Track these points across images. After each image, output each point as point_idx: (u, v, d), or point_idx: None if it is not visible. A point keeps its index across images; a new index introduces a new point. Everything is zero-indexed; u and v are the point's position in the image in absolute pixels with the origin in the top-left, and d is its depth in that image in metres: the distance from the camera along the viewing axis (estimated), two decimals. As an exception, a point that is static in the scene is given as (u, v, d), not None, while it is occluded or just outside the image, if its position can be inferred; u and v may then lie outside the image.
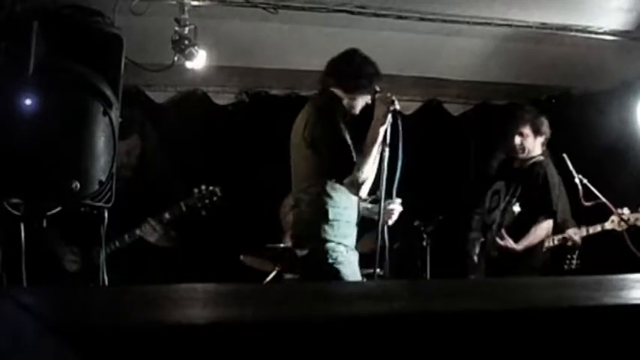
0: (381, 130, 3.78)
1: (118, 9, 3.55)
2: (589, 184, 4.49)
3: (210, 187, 4.43)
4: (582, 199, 4.48)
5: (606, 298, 1.34)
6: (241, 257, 5.07)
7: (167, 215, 4.36)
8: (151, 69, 4.43)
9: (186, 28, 4.26)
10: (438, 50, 5.18)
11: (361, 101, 3.96)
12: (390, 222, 3.95)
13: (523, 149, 4.86)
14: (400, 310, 1.21)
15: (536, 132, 4.85)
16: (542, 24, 4.71)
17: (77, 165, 2.48)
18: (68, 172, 2.45)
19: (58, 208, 2.57)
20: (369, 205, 4.01)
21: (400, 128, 3.73)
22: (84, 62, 2.54)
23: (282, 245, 4.88)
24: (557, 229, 4.76)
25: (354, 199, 3.91)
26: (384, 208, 3.82)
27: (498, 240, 4.70)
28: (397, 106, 3.78)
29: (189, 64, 4.39)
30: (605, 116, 5.37)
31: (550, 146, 4.91)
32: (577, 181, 4.51)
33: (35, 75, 2.41)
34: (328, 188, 3.86)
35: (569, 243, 4.69)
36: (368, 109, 3.94)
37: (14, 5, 2.59)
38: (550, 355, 1.05)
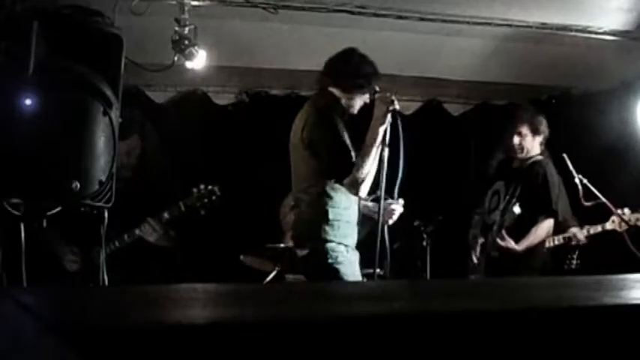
0: (381, 130, 3.77)
1: (118, 9, 3.54)
2: (589, 184, 4.49)
3: (209, 187, 4.43)
4: (582, 199, 4.48)
5: (606, 298, 1.34)
6: (241, 257, 5.07)
7: (166, 215, 4.36)
8: (151, 69, 4.43)
9: (186, 28, 4.26)
10: (438, 50, 5.18)
11: (359, 101, 3.95)
12: (391, 222, 3.95)
13: (522, 149, 4.86)
14: (400, 310, 1.21)
15: (535, 131, 4.85)
16: (542, 24, 4.71)
17: (77, 165, 2.48)
18: (68, 172, 2.44)
19: (58, 208, 2.57)
20: (370, 204, 4.01)
21: (400, 128, 3.72)
22: (84, 62, 2.54)
23: (282, 245, 4.88)
24: (558, 228, 4.76)
25: (354, 198, 3.91)
26: (386, 207, 3.82)
27: (499, 240, 4.70)
28: (397, 106, 3.77)
29: (189, 64, 4.39)
30: (605, 116, 5.37)
31: (550, 146, 4.91)
32: (577, 181, 4.50)
33: (35, 75, 2.40)
34: (328, 188, 3.86)
35: (574, 242, 4.67)
36: (367, 108, 3.93)
37: (14, 5, 2.59)
38: (550, 355, 1.05)
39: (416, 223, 5.30)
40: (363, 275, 4.02)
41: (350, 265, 3.85)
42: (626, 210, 4.48)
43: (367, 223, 4.01)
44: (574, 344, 1.06)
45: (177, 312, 1.17)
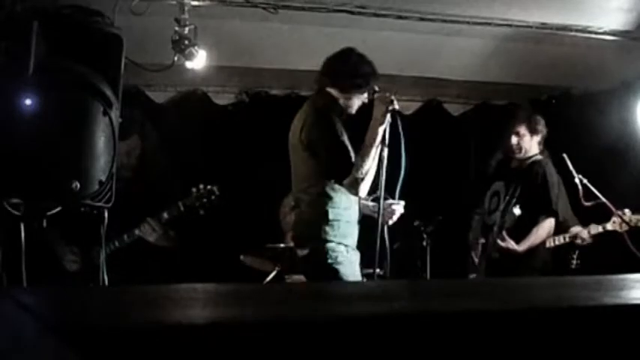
0: (380, 130, 3.76)
1: (118, 9, 3.54)
2: (589, 184, 4.48)
3: (208, 187, 4.43)
4: (582, 199, 4.48)
5: (606, 298, 1.34)
6: (241, 257, 5.07)
7: (165, 215, 4.36)
8: (151, 69, 4.43)
9: (186, 28, 4.26)
10: (438, 50, 5.18)
11: (357, 101, 3.94)
12: (391, 222, 3.94)
13: (520, 149, 4.86)
14: (400, 310, 1.21)
15: (533, 131, 4.85)
16: (542, 24, 4.71)
17: (77, 165, 2.48)
18: (68, 172, 2.44)
19: (58, 208, 2.57)
20: (371, 204, 4.01)
21: (400, 128, 3.72)
22: (84, 62, 2.54)
23: (282, 245, 4.88)
24: (559, 228, 4.75)
25: (354, 198, 3.91)
26: (386, 206, 3.81)
27: (499, 242, 4.69)
28: (396, 106, 3.76)
29: (189, 64, 4.39)
30: (605, 116, 5.37)
31: (550, 146, 4.91)
32: (577, 181, 4.50)
33: (35, 75, 2.40)
34: (328, 189, 3.86)
35: (579, 241, 4.66)
36: (367, 108, 3.93)
37: (14, 5, 2.59)
38: (550, 355, 1.05)
39: (416, 223, 5.31)
40: (364, 275, 4.02)
41: (350, 265, 3.85)
42: (627, 211, 4.48)
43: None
44: (574, 344, 1.06)
45: (177, 312, 1.17)
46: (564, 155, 4.56)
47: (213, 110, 5.82)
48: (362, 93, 3.92)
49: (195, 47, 4.30)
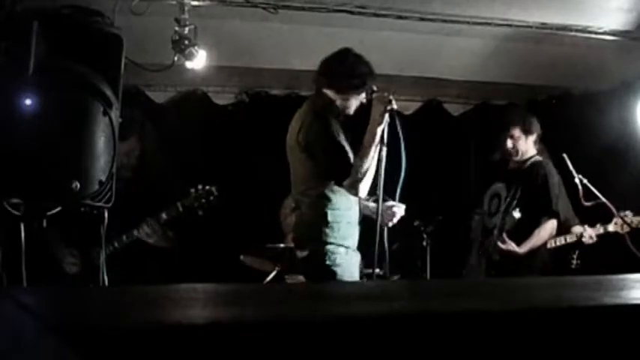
0: (379, 130, 3.75)
1: (118, 9, 3.55)
2: (589, 184, 4.48)
3: (207, 187, 4.43)
4: (582, 200, 4.47)
5: (606, 298, 1.34)
6: (241, 257, 5.07)
7: (164, 215, 4.36)
8: (151, 69, 4.43)
9: (186, 28, 4.26)
10: (438, 50, 5.18)
11: (355, 101, 3.92)
12: (390, 224, 3.93)
13: (517, 152, 4.85)
14: (400, 310, 1.21)
15: (527, 132, 4.84)
16: (542, 24, 4.71)
17: (77, 165, 2.48)
18: (68, 172, 2.45)
19: (58, 208, 2.57)
20: (371, 205, 4.00)
21: (399, 128, 3.71)
22: (84, 62, 2.54)
23: (282, 245, 4.88)
24: (560, 228, 4.75)
25: (355, 199, 3.90)
26: (387, 208, 3.81)
27: (500, 244, 4.68)
28: (395, 106, 3.75)
29: (189, 64, 4.39)
30: (605, 116, 5.36)
31: (550, 146, 4.90)
32: (577, 181, 4.49)
33: (35, 75, 2.40)
34: (327, 191, 3.85)
35: (584, 240, 4.64)
36: (365, 109, 3.92)
37: (14, 5, 2.60)
38: (550, 355, 1.05)
39: (416, 223, 5.30)
40: (364, 275, 4.02)
41: (348, 267, 3.84)
42: (629, 212, 4.47)
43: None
44: (574, 344, 1.06)
45: (177, 312, 1.17)
46: (564, 155, 4.55)
47: (213, 110, 5.81)
48: (359, 93, 3.90)
49: (195, 47, 4.30)
